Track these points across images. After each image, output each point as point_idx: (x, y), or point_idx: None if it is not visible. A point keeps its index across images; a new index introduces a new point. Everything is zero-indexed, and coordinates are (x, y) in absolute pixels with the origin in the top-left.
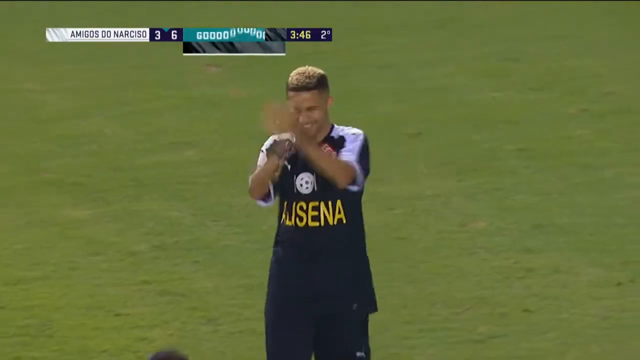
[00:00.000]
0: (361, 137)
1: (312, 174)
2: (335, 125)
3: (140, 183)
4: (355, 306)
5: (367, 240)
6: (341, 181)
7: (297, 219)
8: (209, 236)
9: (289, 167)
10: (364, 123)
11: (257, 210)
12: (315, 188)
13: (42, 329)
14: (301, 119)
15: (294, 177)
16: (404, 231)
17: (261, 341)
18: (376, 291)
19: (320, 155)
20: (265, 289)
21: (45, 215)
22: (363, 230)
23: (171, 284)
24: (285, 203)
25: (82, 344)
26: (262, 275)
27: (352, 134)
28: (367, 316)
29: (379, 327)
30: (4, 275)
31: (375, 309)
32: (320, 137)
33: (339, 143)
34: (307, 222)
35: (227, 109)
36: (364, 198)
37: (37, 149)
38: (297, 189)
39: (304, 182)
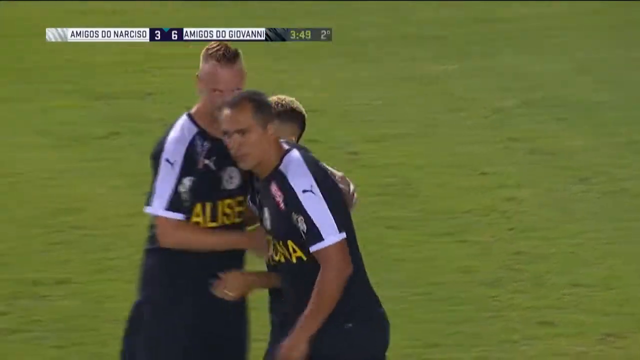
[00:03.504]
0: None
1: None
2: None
3: (501, 36)
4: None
5: None
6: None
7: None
8: (579, 92)
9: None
10: None
11: (626, 65)
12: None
13: (403, 189)
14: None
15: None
16: None
17: None
18: None
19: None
20: None
21: (405, 69)
22: None
23: (539, 142)
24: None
25: (445, 204)
26: (635, 133)
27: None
28: None
29: None
30: (363, 132)
31: None
32: None
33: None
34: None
35: None
36: None
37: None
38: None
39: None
